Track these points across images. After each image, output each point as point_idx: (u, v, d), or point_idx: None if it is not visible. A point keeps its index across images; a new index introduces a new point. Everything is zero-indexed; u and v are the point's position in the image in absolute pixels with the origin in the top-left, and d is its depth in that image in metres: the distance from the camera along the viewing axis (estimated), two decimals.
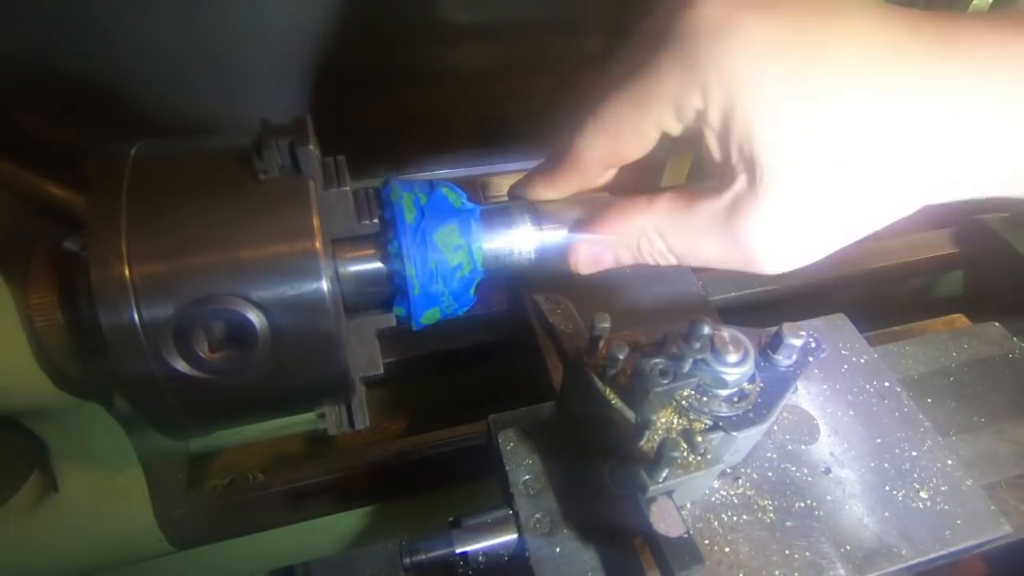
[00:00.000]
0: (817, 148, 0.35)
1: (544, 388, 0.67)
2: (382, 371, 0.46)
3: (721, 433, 0.44)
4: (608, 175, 0.47)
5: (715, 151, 0.39)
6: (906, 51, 0.34)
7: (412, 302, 0.43)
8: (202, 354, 0.37)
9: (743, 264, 0.41)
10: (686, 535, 0.39)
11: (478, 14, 0.94)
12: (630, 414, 0.43)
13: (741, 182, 0.38)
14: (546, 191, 0.48)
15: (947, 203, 0.38)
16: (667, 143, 0.42)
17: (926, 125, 0.34)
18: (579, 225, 0.47)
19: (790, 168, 0.36)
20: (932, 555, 0.47)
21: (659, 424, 0.43)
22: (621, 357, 0.43)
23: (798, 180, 0.36)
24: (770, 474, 0.51)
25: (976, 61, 0.34)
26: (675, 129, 0.40)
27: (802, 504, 0.49)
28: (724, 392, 0.45)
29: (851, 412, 0.56)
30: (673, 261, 0.44)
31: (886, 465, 0.52)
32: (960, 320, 0.79)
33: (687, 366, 0.43)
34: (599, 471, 0.46)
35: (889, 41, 0.34)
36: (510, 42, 1.00)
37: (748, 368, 0.44)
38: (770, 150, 0.36)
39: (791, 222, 0.38)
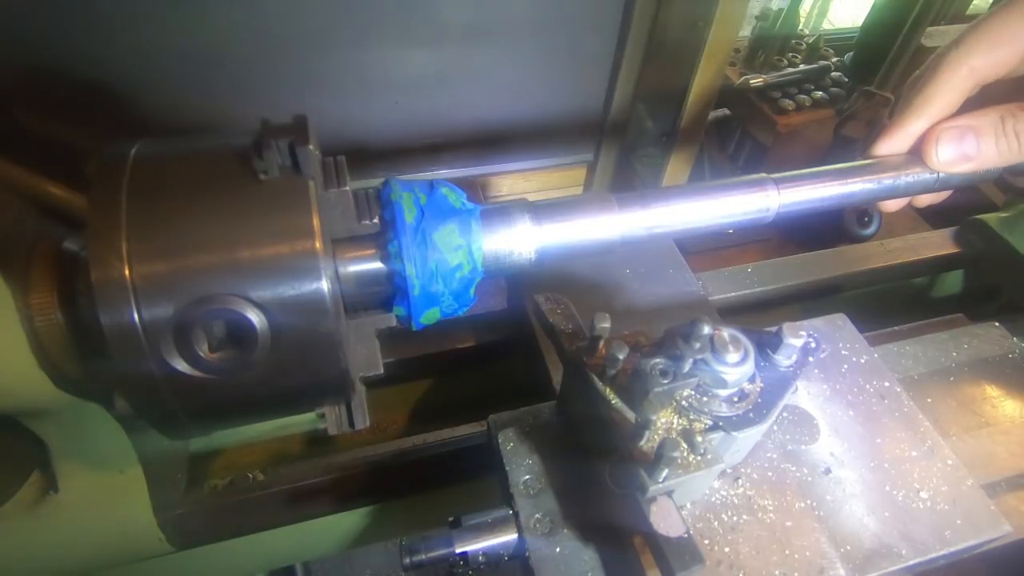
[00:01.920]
0: None
1: (544, 388, 0.67)
2: (382, 371, 0.46)
3: (721, 433, 0.44)
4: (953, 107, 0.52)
5: None
6: None
7: (412, 302, 0.43)
8: (202, 354, 0.37)
9: None
10: (686, 535, 0.39)
11: (479, 14, 0.94)
12: (630, 414, 0.43)
13: None
14: (912, 120, 0.53)
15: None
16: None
17: None
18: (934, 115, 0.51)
19: None
20: (932, 555, 0.47)
21: (659, 424, 0.43)
22: (621, 357, 0.43)
23: None
24: (770, 474, 0.51)
25: None
26: None
27: (802, 504, 0.49)
28: (724, 392, 0.45)
29: (851, 412, 0.56)
30: None
31: (886, 465, 0.52)
32: (960, 320, 0.79)
33: (687, 366, 0.43)
34: (599, 471, 0.46)
35: None
36: (510, 42, 1.00)
37: (748, 368, 0.44)
38: None
39: None
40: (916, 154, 0.54)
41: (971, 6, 1.53)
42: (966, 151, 0.50)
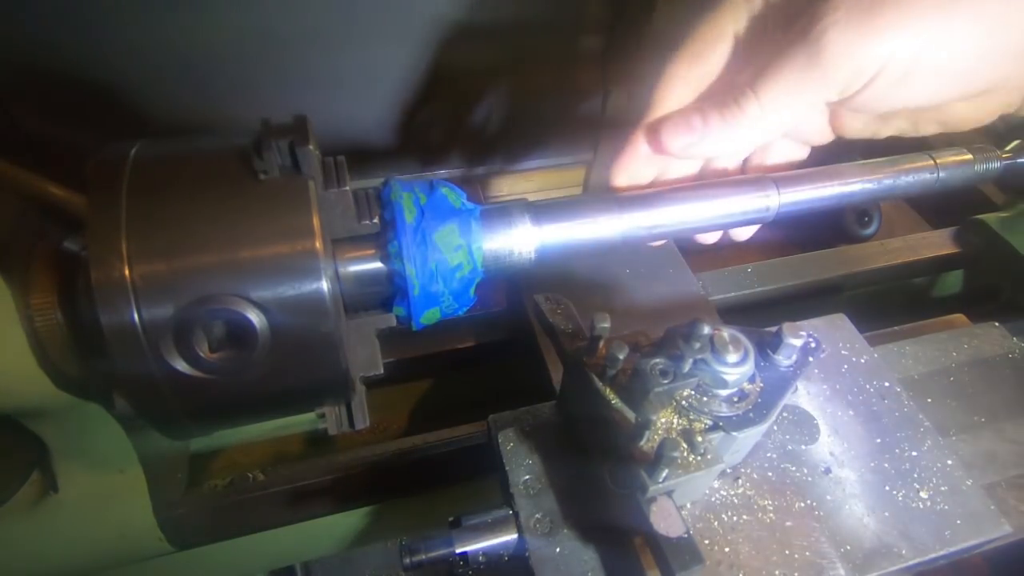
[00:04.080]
0: None
1: (544, 388, 0.67)
2: (382, 371, 0.46)
3: (721, 433, 0.44)
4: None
5: None
6: None
7: (412, 302, 0.43)
8: (202, 354, 0.37)
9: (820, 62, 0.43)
10: (686, 535, 0.39)
11: (478, 14, 0.94)
12: (630, 414, 0.43)
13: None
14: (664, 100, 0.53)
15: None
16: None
17: None
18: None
19: None
20: (932, 555, 0.47)
21: (659, 424, 0.43)
22: (621, 357, 0.43)
23: None
24: (770, 474, 0.51)
25: None
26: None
27: (802, 504, 0.49)
28: (724, 392, 0.45)
29: (851, 412, 0.56)
30: (760, 117, 0.46)
31: (886, 465, 0.52)
32: (960, 320, 0.78)
33: (687, 366, 0.43)
34: (599, 471, 0.46)
35: None
36: (510, 42, 1.00)
37: (748, 368, 0.44)
38: None
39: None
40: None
41: None
42: (696, 137, 0.48)
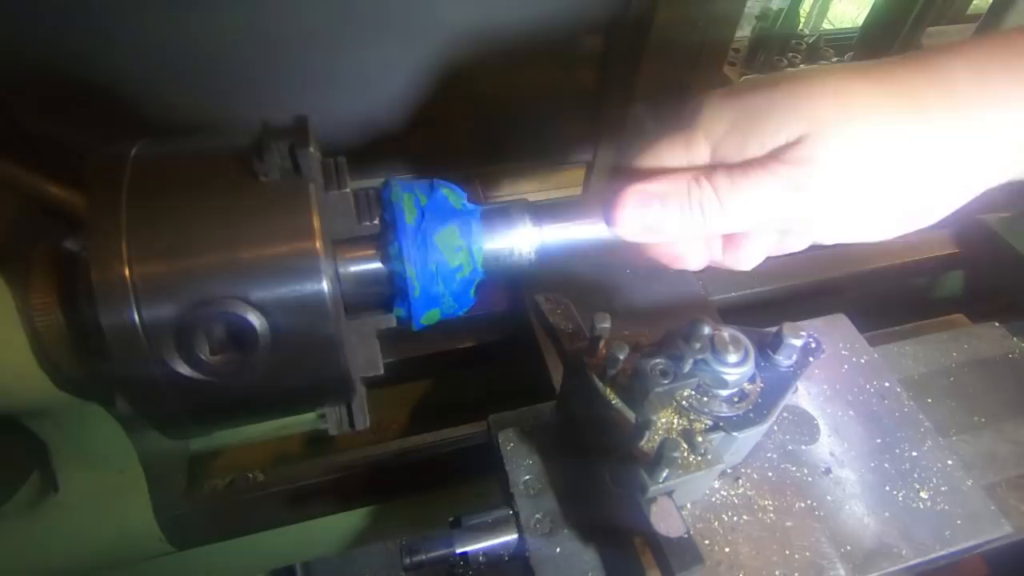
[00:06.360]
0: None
1: (544, 388, 0.67)
2: (382, 371, 0.46)
3: (721, 433, 0.44)
4: None
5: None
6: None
7: (412, 303, 0.43)
8: (203, 356, 0.37)
9: (800, 221, 0.41)
10: (686, 535, 0.39)
11: (478, 14, 0.94)
12: (630, 414, 0.43)
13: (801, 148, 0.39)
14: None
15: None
16: None
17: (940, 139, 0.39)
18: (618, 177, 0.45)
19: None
20: (932, 555, 0.48)
21: (659, 424, 0.43)
22: (621, 357, 0.43)
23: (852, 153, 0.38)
24: (770, 474, 0.51)
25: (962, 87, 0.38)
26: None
27: (802, 504, 0.49)
28: (724, 392, 0.45)
29: (851, 412, 0.56)
30: (721, 220, 0.41)
31: (886, 465, 0.52)
32: (960, 320, 0.79)
33: (687, 366, 0.43)
34: (599, 471, 0.46)
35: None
36: (510, 42, 1.00)
37: (748, 368, 0.44)
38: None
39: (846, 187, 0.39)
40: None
41: (971, 6, 1.52)
42: (650, 222, 0.42)
